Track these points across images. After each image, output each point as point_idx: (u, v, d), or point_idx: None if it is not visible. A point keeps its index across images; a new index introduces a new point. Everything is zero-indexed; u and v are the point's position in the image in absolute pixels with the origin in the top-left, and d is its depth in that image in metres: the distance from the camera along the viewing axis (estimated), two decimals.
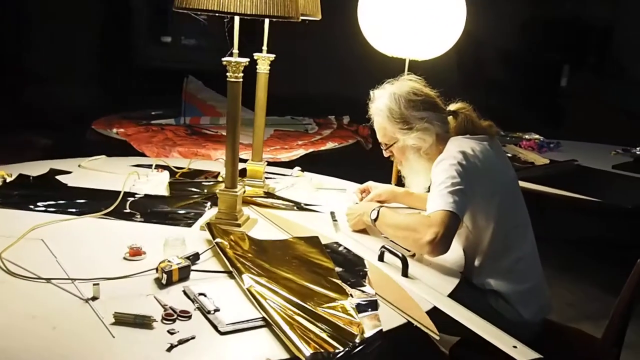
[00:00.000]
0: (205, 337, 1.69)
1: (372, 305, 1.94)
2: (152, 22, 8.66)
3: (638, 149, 5.04)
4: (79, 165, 3.34)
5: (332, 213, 2.84)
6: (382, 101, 2.65)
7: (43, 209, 2.61)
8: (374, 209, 2.53)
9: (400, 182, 3.08)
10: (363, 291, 2.03)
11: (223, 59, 2.36)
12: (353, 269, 2.21)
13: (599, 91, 7.71)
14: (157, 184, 3.02)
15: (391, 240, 2.48)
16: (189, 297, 1.89)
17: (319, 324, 1.76)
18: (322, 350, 1.63)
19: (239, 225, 2.49)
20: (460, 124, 2.66)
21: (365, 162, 4.60)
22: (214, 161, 3.96)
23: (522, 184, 2.81)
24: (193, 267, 2.07)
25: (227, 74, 2.38)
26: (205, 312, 1.80)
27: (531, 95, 8.07)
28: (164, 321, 1.73)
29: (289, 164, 4.16)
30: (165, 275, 1.96)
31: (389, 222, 2.48)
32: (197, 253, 2.16)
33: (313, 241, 2.41)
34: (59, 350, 1.58)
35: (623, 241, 5.22)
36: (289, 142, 4.92)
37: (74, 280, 1.94)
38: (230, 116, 2.44)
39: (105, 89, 7.68)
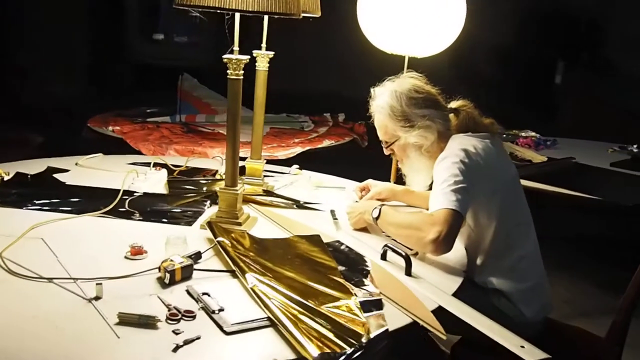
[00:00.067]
0: (210, 337, 1.67)
1: (377, 304, 1.93)
2: (144, 20, 8.63)
3: (635, 146, 5.04)
4: (76, 164, 3.31)
5: (332, 211, 2.82)
6: (383, 99, 2.63)
7: (42, 207, 2.59)
8: (375, 207, 2.52)
9: (399, 180, 3.07)
10: (367, 290, 2.01)
11: (224, 56, 2.34)
12: (356, 268, 2.19)
13: (593, 88, 7.71)
14: (155, 182, 3.00)
15: (393, 239, 2.47)
16: (192, 297, 1.88)
17: (324, 324, 1.75)
18: (329, 351, 1.61)
19: (239, 224, 2.47)
20: (462, 122, 2.64)
21: (361, 160, 4.59)
22: (211, 159, 3.94)
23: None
24: (195, 266, 2.05)
25: (228, 71, 2.36)
26: (209, 312, 1.78)
27: (525, 92, 8.07)
28: (169, 321, 1.72)
29: (286, 162, 4.15)
30: (168, 275, 1.94)
31: (391, 220, 2.46)
32: (199, 252, 2.14)
33: (314, 240, 2.39)
34: (64, 351, 1.56)
35: (620, 239, 5.22)
36: (286, 139, 4.90)
37: (76, 280, 1.92)
38: (231, 114, 2.42)
39: (97, 86, 7.64)
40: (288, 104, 5.89)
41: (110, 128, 4.83)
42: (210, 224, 2.38)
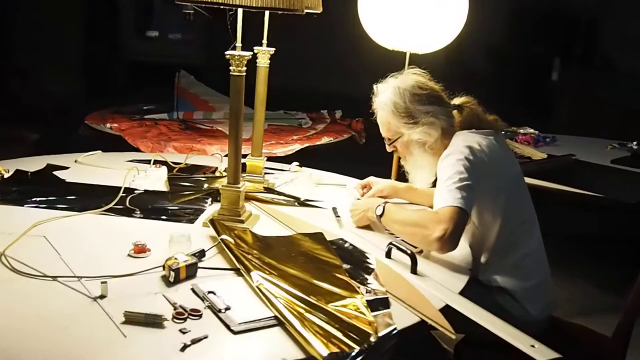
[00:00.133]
0: (217, 336, 1.65)
1: (384, 303, 1.91)
2: (138, 17, 8.61)
3: (635, 143, 5.03)
4: (75, 161, 3.29)
5: (334, 209, 2.81)
6: (386, 95, 2.62)
7: (43, 205, 2.57)
8: (379, 205, 2.50)
9: (400, 177, 3.05)
10: (373, 289, 2.00)
11: (226, 52, 2.32)
12: (361, 266, 2.18)
13: (590, 85, 7.71)
14: (156, 179, 2.98)
15: (396, 237, 2.45)
16: (197, 295, 1.86)
17: (332, 323, 1.73)
18: (338, 350, 1.60)
19: (242, 222, 2.45)
20: (466, 118, 2.63)
21: (360, 157, 4.58)
22: (211, 156, 3.92)
23: None
24: (199, 265, 2.03)
25: (230, 67, 2.34)
26: (216, 311, 1.76)
27: (521, 89, 8.06)
28: (175, 320, 1.70)
29: (285, 159, 4.13)
30: (172, 273, 1.92)
31: (395, 218, 2.44)
32: (203, 250, 2.12)
33: (318, 237, 2.37)
34: (72, 351, 1.54)
35: (620, 237, 5.21)
36: (284, 136, 4.88)
37: (80, 278, 1.90)
38: (233, 111, 2.41)
39: (92, 84, 7.63)
40: (285, 101, 5.87)
41: (108, 125, 4.80)
42: (213, 222, 2.36)
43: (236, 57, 2.32)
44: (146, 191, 2.84)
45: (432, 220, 2.26)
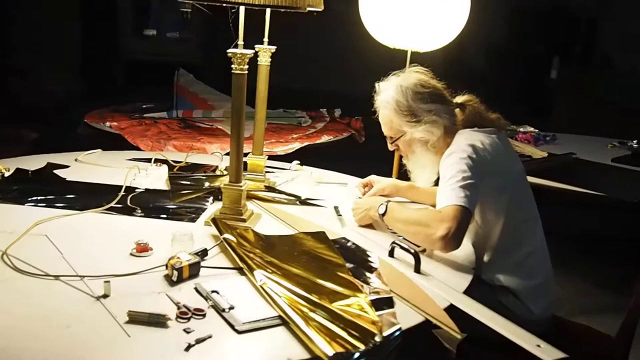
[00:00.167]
0: (222, 336, 1.64)
1: (388, 302, 1.90)
2: (135, 16, 8.61)
3: (635, 141, 5.02)
4: (75, 159, 3.28)
5: (336, 207, 2.80)
6: (388, 93, 2.60)
7: (44, 204, 2.55)
8: (381, 204, 2.49)
9: (401, 176, 3.04)
10: (377, 288, 1.98)
11: (228, 50, 2.31)
12: (364, 265, 2.17)
13: (588, 83, 7.71)
14: (156, 178, 2.97)
15: (399, 236, 2.44)
16: (201, 295, 1.84)
17: (336, 322, 1.72)
18: (343, 350, 1.58)
19: (244, 220, 2.44)
20: (468, 117, 2.62)
21: (359, 156, 4.57)
22: (211, 155, 3.91)
23: None
24: (202, 264, 2.02)
25: (232, 66, 2.33)
26: (219, 310, 1.75)
27: (519, 88, 8.07)
28: (179, 319, 1.69)
29: (285, 158, 4.12)
30: (175, 272, 1.91)
31: (398, 216, 2.43)
32: (206, 249, 2.12)
33: (320, 236, 2.36)
34: (73, 350, 1.53)
35: (619, 236, 5.20)
36: (284, 135, 4.87)
37: (82, 277, 1.89)
38: (235, 109, 2.39)
39: (90, 82, 7.62)
40: (283, 99, 5.87)
41: (108, 124, 4.79)
42: (215, 221, 2.35)
43: (238, 55, 2.31)
44: (147, 190, 2.83)
45: (435, 219, 2.25)
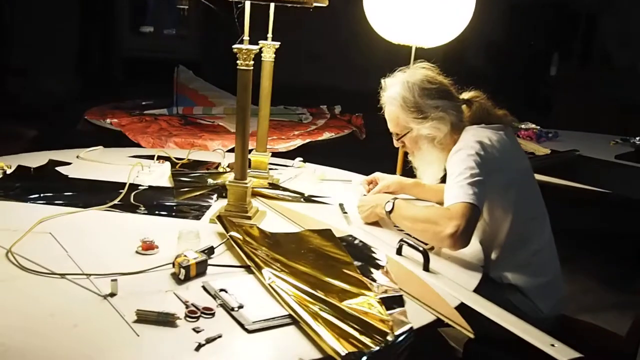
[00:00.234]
0: (232, 335, 1.61)
1: (398, 301, 1.88)
2: (133, 13, 8.59)
3: (637, 138, 5.00)
4: (77, 156, 3.25)
5: (341, 205, 2.78)
6: (395, 89, 2.58)
7: (47, 201, 2.53)
8: (388, 201, 2.46)
9: (405, 173, 3.02)
10: (386, 286, 1.96)
11: (234, 46, 2.28)
12: (372, 263, 2.14)
13: (588, 80, 7.70)
14: (159, 175, 2.95)
15: (406, 233, 2.42)
16: (209, 293, 1.82)
17: (347, 321, 1.69)
18: (356, 349, 1.56)
19: (249, 218, 2.42)
20: (475, 113, 2.60)
21: (360, 152, 4.54)
22: (212, 152, 3.88)
23: None
24: (209, 262, 1.99)
25: (238, 62, 2.30)
26: (228, 309, 1.72)
27: (520, 84, 8.05)
28: (188, 319, 1.66)
29: (285, 155, 4.10)
30: (183, 271, 1.88)
31: (405, 214, 2.41)
32: (212, 247, 2.09)
33: (326, 234, 2.33)
34: (81, 350, 1.51)
35: (623, 233, 5.18)
36: (285, 132, 4.84)
37: (89, 276, 1.86)
38: (240, 105, 2.36)
39: (88, 80, 7.59)
40: (283, 96, 5.84)
41: (108, 120, 4.75)
42: (220, 218, 2.32)
43: (244, 50, 2.28)
44: (150, 187, 2.80)
45: (443, 217, 2.22)
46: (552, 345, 1.70)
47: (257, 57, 2.70)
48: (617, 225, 5.25)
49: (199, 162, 3.38)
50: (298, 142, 4.54)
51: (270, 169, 3.13)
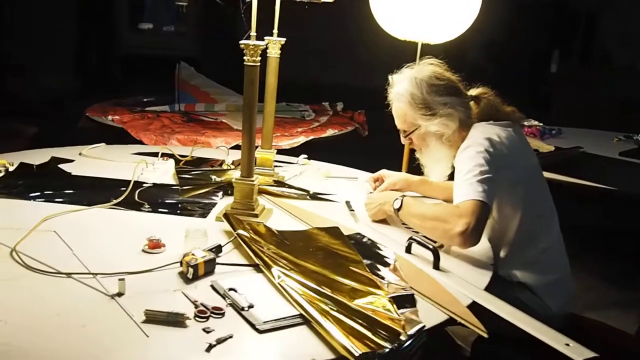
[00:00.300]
0: (242, 335, 1.59)
1: (410, 300, 1.85)
2: (132, 9, 8.57)
3: None
4: (80, 154, 3.22)
5: (347, 202, 2.75)
6: (402, 86, 2.55)
7: (50, 199, 2.50)
8: (397, 198, 2.44)
9: (410, 170, 3.00)
10: (397, 285, 1.93)
11: (241, 42, 2.25)
12: (381, 261, 2.11)
13: (588, 78, 7.69)
14: (163, 172, 2.91)
15: (414, 231, 2.39)
16: (218, 293, 1.79)
17: (359, 321, 1.66)
18: (369, 350, 1.53)
19: (256, 216, 2.39)
20: (484, 110, 2.57)
21: (362, 149, 4.52)
22: (216, 149, 3.85)
23: None
24: (217, 260, 1.96)
25: (245, 57, 2.27)
26: (238, 309, 1.70)
27: (521, 82, 8.03)
28: (197, 319, 1.63)
29: (288, 152, 4.07)
30: (191, 270, 1.85)
31: (414, 212, 2.38)
32: (220, 245, 2.06)
33: (334, 232, 2.30)
34: (89, 351, 1.48)
35: (627, 230, 5.16)
36: (289, 129, 4.81)
37: (95, 275, 1.83)
38: (247, 102, 2.33)
39: (87, 77, 7.57)
40: (284, 92, 5.81)
41: (110, 117, 4.72)
42: (227, 216, 2.29)
43: (251, 46, 2.25)
44: (155, 184, 2.77)
45: (453, 214, 2.20)
46: (567, 344, 1.67)
47: (262, 54, 2.68)
48: (620, 223, 5.23)
49: (202, 159, 3.35)
50: (301, 139, 4.51)
51: (274, 166, 3.10)
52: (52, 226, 2.20)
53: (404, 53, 3.35)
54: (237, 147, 3.96)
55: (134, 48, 8.31)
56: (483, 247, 2.33)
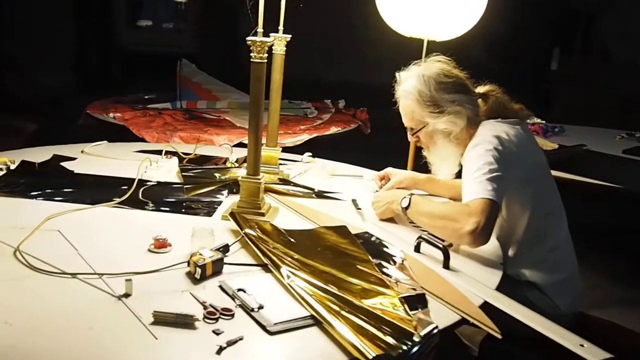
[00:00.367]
0: (253, 337, 1.55)
1: (421, 300, 1.82)
2: (131, 6, 8.54)
3: None
4: (82, 151, 3.19)
5: (354, 201, 2.72)
6: (410, 83, 2.52)
7: (53, 197, 2.47)
8: (404, 197, 2.41)
9: (416, 168, 2.97)
10: (407, 284, 1.90)
11: (247, 38, 2.22)
12: (390, 261, 2.08)
13: (589, 75, 7.68)
14: (167, 170, 2.88)
15: (423, 230, 2.36)
16: (227, 293, 1.76)
17: (371, 322, 1.63)
18: (383, 352, 1.50)
19: (262, 214, 2.36)
20: (491, 107, 2.54)
21: (365, 147, 4.49)
22: (219, 147, 3.82)
23: None
24: (224, 260, 1.93)
25: (252, 54, 2.24)
26: (248, 310, 1.66)
27: (522, 79, 8.01)
28: (206, 320, 1.60)
29: (291, 149, 4.04)
30: (199, 270, 1.82)
31: (422, 210, 2.35)
32: (227, 244, 2.03)
33: (342, 231, 2.27)
34: (97, 354, 1.45)
35: (631, 228, 5.14)
36: (292, 126, 4.78)
37: (101, 275, 1.80)
38: (253, 99, 2.29)
39: (86, 74, 7.54)
40: (287, 90, 5.78)
41: (111, 115, 4.69)
42: (233, 215, 2.26)
43: (258, 42, 2.22)
44: (158, 183, 2.74)
45: (462, 213, 2.17)
46: (582, 345, 1.65)
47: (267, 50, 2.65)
48: (626, 221, 5.21)
49: (206, 157, 3.32)
50: (305, 137, 4.49)
51: (279, 164, 3.07)
52: (56, 225, 2.17)
53: (409, 50, 3.32)
54: (240, 144, 3.94)
55: (133, 45, 8.28)
56: (492, 245, 2.31)
